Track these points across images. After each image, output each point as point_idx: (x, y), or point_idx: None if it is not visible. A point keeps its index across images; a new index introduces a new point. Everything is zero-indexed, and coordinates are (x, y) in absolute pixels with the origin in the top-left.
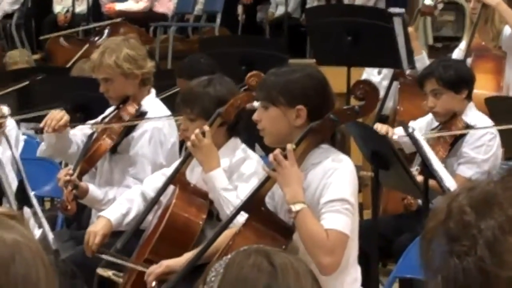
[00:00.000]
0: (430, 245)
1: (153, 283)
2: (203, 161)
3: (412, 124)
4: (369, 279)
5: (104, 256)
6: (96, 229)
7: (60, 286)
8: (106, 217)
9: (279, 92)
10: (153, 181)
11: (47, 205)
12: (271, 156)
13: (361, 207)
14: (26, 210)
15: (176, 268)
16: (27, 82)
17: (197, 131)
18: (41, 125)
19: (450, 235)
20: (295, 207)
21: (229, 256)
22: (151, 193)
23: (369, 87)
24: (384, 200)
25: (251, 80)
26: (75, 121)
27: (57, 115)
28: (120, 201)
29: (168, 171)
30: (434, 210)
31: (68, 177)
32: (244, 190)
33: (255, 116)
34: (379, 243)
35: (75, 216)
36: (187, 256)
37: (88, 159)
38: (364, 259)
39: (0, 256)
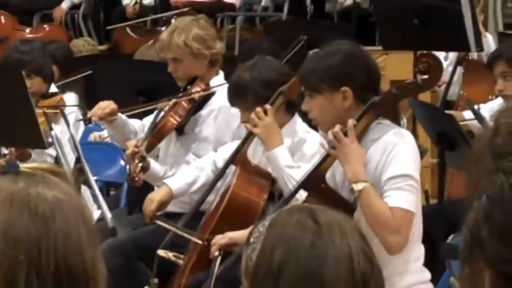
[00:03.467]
0: (476, 166)
1: (216, 253)
2: (266, 139)
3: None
4: (434, 262)
5: (158, 222)
6: (154, 196)
7: (121, 268)
8: (168, 185)
9: (320, 79)
10: (226, 152)
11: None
12: (330, 134)
13: (427, 195)
14: (85, 191)
15: (239, 240)
16: (90, 72)
17: (258, 109)
18: (88, 115)
19: (497, 152)
20: (357, 186)
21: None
22: (221, 163)
23: (432, 61)
24: (447, 186)
25: None
26: (137, 104)
27: (103, 104)
28: (188, 169)
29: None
30: (482, 131)
31: (136, 149)
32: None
33: (303, 107)
34: (445, 226)
35: (138, 198)
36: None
37: (155, 134)
38: (429, 241)
39: (41, 213)
